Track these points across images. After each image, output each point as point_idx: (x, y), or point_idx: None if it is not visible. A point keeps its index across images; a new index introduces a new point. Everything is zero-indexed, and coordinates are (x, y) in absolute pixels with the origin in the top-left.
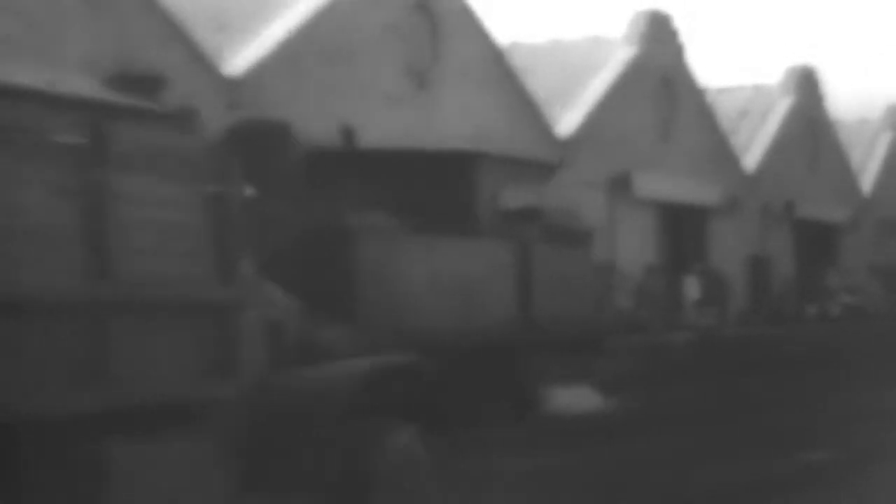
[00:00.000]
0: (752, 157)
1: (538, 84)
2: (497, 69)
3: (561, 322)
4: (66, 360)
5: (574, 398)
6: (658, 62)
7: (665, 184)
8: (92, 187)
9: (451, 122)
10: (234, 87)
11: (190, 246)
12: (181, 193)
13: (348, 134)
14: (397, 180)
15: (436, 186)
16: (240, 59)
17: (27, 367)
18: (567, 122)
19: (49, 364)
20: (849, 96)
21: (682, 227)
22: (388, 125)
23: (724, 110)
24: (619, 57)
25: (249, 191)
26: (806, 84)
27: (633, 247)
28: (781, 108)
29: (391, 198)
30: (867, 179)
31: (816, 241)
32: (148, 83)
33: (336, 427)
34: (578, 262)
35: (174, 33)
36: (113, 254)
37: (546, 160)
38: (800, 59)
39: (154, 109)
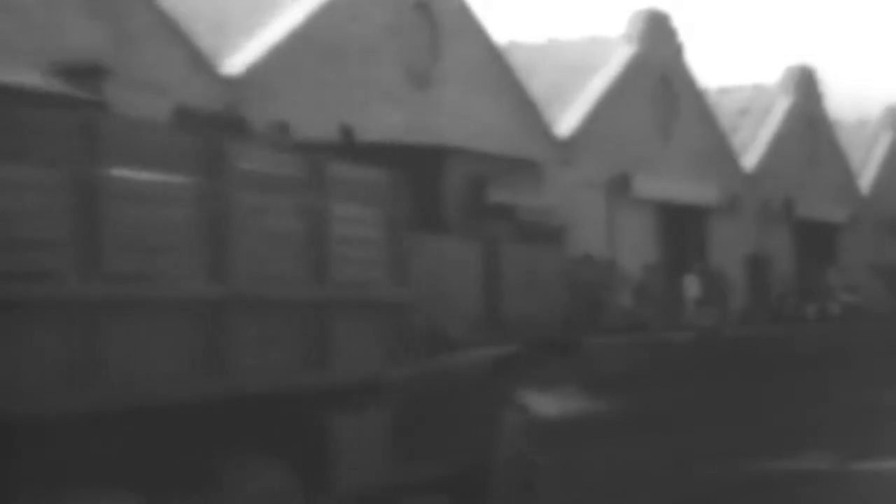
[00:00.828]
0: (751, 156)
1: (537, 84)
2: (496, 69)
3: (530, 322)
4: (299, 346)
5: (554, 400)
6: (657, 61)
7: (665, 183)
8: (314, 212)
9: (450, 121)
10: (233, 87)
11: (376, 256)
12: (370, 215)
13: (347, 133)
14: None
15: (407, 182)
16: (238, 58)
17: (273, 353)
18: (566, 121)
19: (287, 349)
20: (848, 96)
21: (682, 227)
22: (387, 124)
23: (724, 110)
24: (618, 56)
25: None
26: (805, 84)
27: (633, 246)
28: (781, 107)
29: None
30: (866, 179)
31: (816, 241)
32: (89, 72)
33: (470, 404)
34: (550, 260)
35: (172, 34)
36: (329, 263)
37: (527, 157)
38: (799, 58)
39: (89, 99)
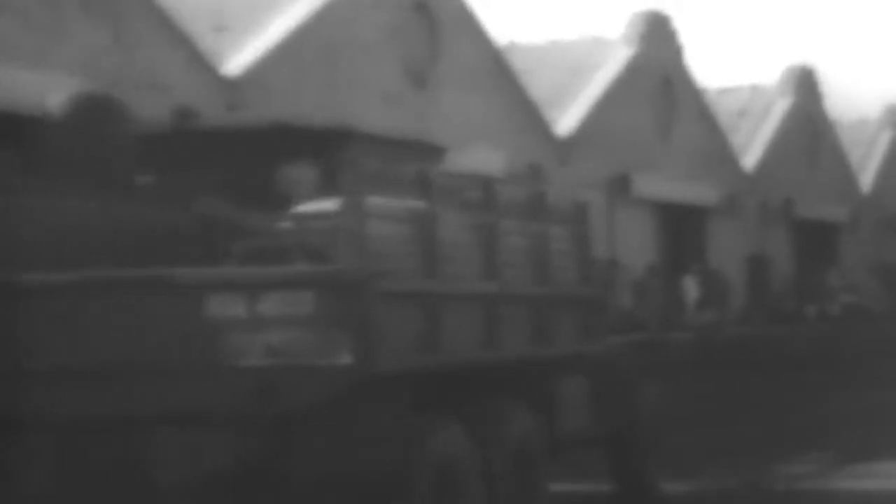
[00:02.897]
0: (751, 156)
1: (537, 84)
2: (496, 69)
3: None
4: (537, 328)
5: None
6: (657, 62)
7: (664, 184)
8: (536, 232)
9: (449, 121)
10: (234, 88)
11: (572, 263)
12: (566, 232)
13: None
14: (253, 160)
15: (311, 166)
16: (239, 59)
17: (522, 332)
18: (566, 122)
19: (530, 329)
20: (847, 96)
21: (682, 227)
22: (386, 125)
23: (723, 110)
24: (617, 57)
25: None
26: (804, 84)
27: (633, 247)
28: (780, 107)
29: (247, 180)
30: (866, 178)
31: (816, 241)
32: None
33: (622, 376)
34: None
35: (173, 34)
36: (547, 270)
37: (431, 142)
38: (798, 58)
39: None
